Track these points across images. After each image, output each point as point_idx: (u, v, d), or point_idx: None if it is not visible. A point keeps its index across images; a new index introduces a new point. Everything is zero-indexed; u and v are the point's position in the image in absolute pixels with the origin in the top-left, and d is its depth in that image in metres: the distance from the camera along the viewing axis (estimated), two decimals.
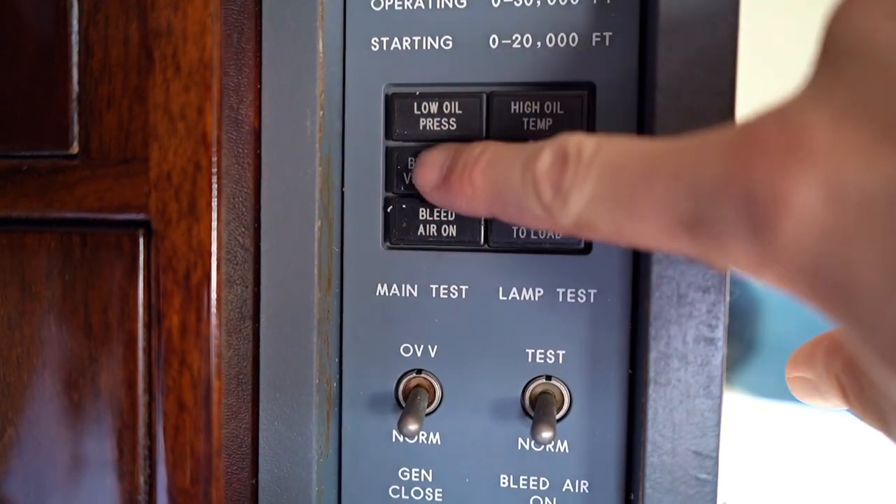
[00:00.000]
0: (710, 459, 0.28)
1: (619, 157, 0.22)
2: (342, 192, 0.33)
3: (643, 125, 0.30)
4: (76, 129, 0.28)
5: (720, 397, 0.28)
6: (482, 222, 0.32)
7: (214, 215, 0.27)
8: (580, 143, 0.24)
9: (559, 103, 0.31)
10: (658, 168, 0.21)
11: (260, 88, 0.30)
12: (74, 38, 0.28)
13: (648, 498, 0.28)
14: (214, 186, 0.27)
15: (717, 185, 0.19)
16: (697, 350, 0.28)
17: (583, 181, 0.23)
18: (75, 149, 0.28)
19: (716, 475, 0.28)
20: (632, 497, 0.31)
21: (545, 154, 0.24)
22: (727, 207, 0.19)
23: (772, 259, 0.19)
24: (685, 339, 0.28)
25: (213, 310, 0.27)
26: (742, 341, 1.23)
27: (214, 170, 0.27)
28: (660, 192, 0.21)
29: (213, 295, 0.27)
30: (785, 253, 0.18)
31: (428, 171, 0.29)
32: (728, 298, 0.28)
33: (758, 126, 0.19)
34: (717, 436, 0.28)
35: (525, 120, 0.31)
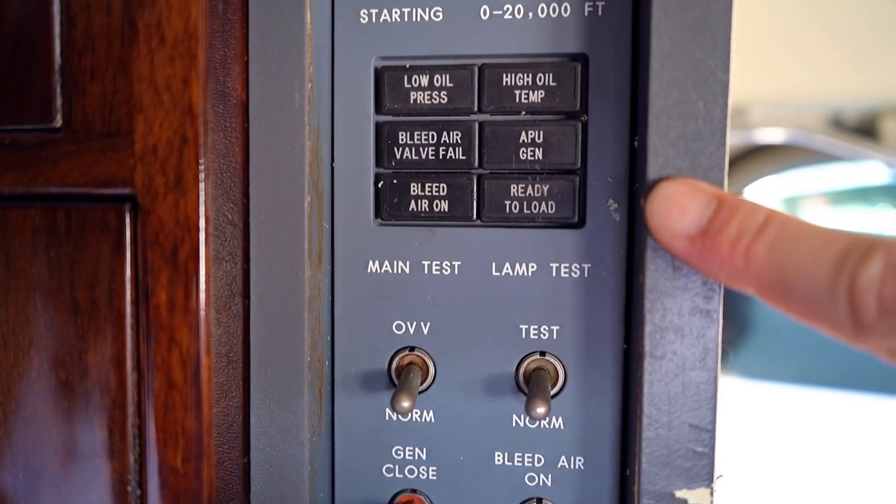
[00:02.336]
0: (706, 432, 0.28)
1: None
2: (332, 168, 0.32)
3: (637, 96, 0.30)
4: (59, 101, 0.27)
5: (716, 369, 0.28)
6: (474, 196, 0.31)
7: (202, 189, 0.27)
8: None
9: (552, 75, 0.30)
10: None
11: (247, 61, 0.30)
12: (56, 6, 0.27)
13: (645, 472, 0.28)
14: (202, 159, 0.26)
15: None
16: (693, 322, 0.28)
17: None
18: (59, 122, 0.28)
19: (713, 448, 0.28)
20: (627, 472, 0.31)
21: (874, 262, 0.20)
22: None
23: None
24: (681, 312, 0.28)
25: (202, 285, 0.27)
26: (734, 324, 1.23)
27: (201, 142, 0.26)
28: None
29: (202, 270, 0.27)
30: None
31: (680, 216, 0.25)
32: None
33: None
34: (714, 408, 0.28)
35: (517, 92, 0.31)
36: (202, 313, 0.27)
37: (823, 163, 1.13)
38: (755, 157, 1.10)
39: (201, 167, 0.27)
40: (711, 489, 0.28)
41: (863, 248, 0.21)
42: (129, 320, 0.28)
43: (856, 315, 0.20)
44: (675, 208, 0.25)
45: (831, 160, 1.08)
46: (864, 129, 1.02)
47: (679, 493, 0.28)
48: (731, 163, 1.12)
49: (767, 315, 1.35)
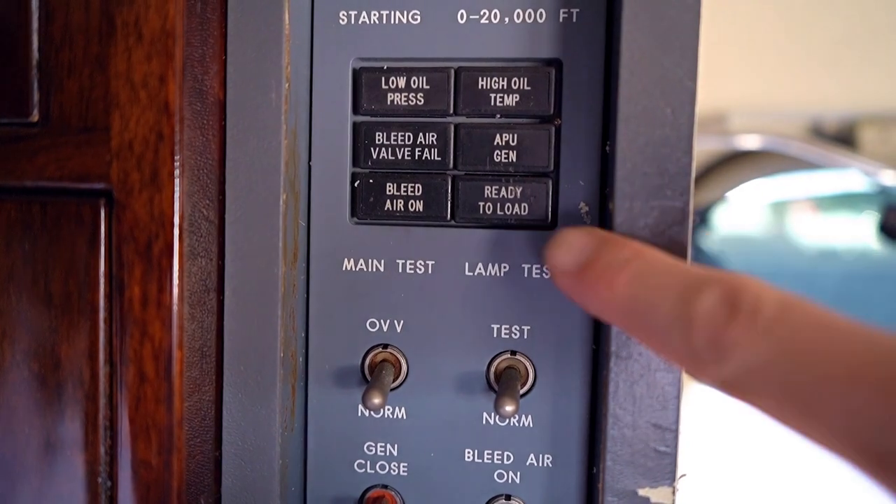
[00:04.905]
0: (669, 432, 0.29)
1: (808, 335, 0.19)
2: (309, 167, 0.33)
3: (609, 102, 0.30)
4: (36, 96, 0.28)
5: (681, 371, 0.28)
6: (449, 197, 0.32)
7: (177, 185, 0.27)
8: (759, 294, 0.20)
9: (526, 79, 0.31)
10: (858, 375, 0.18)
11: (225, 59, 0.30)
12: (34, 2, 0.27)
13: (609, 470, 0.29)
14: (177, 156, 0.27)
15: None
16: None
17: (752, 346, 0.20)
18: (35, 117, 0.28)
19: (675, 448, 0.29)
20: (594, 470, 0.31)
21: (710, 292, 0.21)
22: None
23: None
24: None
25: (175, 280, 0.27)
26: None
27: (177, 139, 0.27)
28: (855, 405, 0.18)
29: (175, 265, 0.27)
30: None
31: (564, 254, 0.26)
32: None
33: None
34: (678, 409, 0.29)
35: (493, 96, 0.31)
36: (175, 308, 0.27)
37: (803, 170, 1.14)
38: (735, 163, 1.12)
39: (177, 164, 0.27)
40: (674, 488, 0.29)
41: (703, 281, 0.22)
42: (102, 314, 0.28)
43: (690, 345, 0.21)
44: (563, 247, 0.27)
45: (811, 167, 1.10)
46: (843, 138, 1.04)
47: (642, 492, 0.29)
48: (712, 168, 1.13)
49: None
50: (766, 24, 0.88)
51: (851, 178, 1.19)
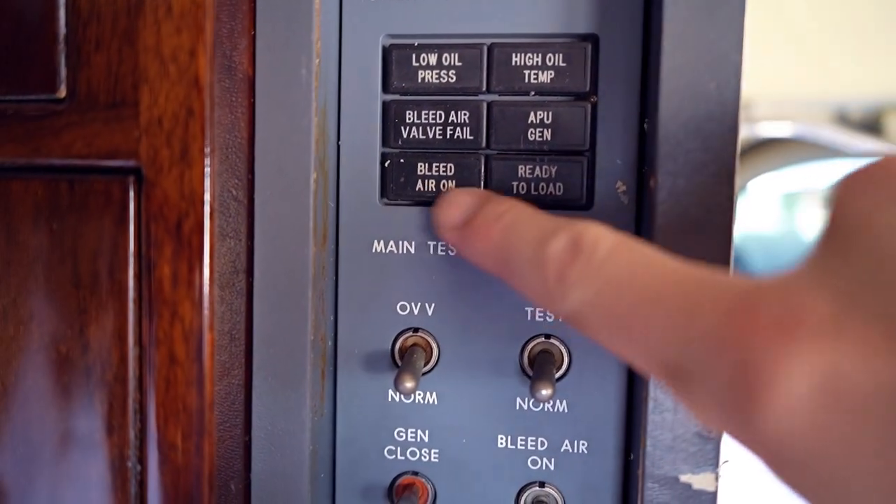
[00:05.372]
0: None
1: (629, 269, 0.22)
2: (338, 147, 0.32)
3: (648, 78, 0.29)
4: (63, 72, 0.27)
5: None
6: (482, 177, 0.31)
7: (207, 162, 0.26)
8: (597, 237, 0.23)
9: (562, 55, 0.30)
10: (660, 299, 0.20)
11: (254, 35, 0.29)
12: None
13: (649, 456, 0.28)
14: (208, 132, 0.26)
15: (711, 343, 0.19)
16: None
17: (587, 280, 0.23)
18: (62, 92, 0.27)
19: (719, 432, 0.28)
20: (631, 457, 0.31)
21: (560, 237, 0.24)
22: (712, 367, 0.18)
23: (752, 434, 0.18)
24: None
25: (206, 259, 0.27)
26: None
27: (207, 114, 0.26)
28: (654, 326, 0.20)
29: (206, 244, 0.27)
30: (767, 433, 0.17)
31: (452, 210, 0.29)
32: (733, 241, 0.27)
33: (760, 292, 0.18)
34: None
35: (527, 72, 0.30)
36: (206, 288, 0.27)
37: (827, 158, 1.12)
38: (759, 152, 1.10)
39: (207, 140, 0.26)
40: (717, 474, 0.28)
41: (556, 228, 0.24)
42: (131, 294, 0.27)
43: (544, 284, 0.24)
44: (452, 205, 0.29)
45: (835, 156, 1.08)
46: (869, 126, 1.02)
47: (683, 478, 0.28)
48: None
49: None
50: (790, 10, 0.87)
51: None
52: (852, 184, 0.19)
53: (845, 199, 0.19)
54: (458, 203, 0.29)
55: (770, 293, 0.18)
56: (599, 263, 0.23)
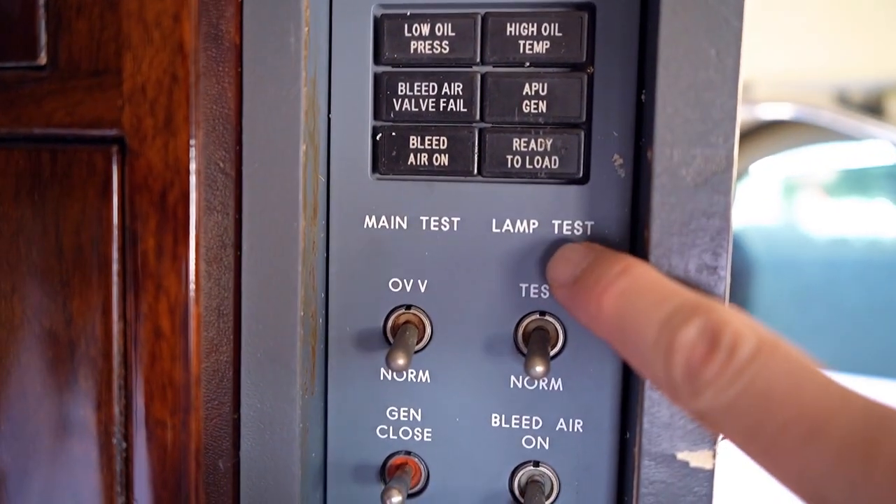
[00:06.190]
0: None
1: (779, 381, 0.20)
2: (328, 119, 0.31)
3: (645, 47, 0.29)
4: (44, 38, 0.26)
5: None
6: (475, 150, 0.30)
7: (193, 130, 0.25)
8: (738, 333, 0.21)
9: (557, 25, 0.29)
10: (822, 429, 0.19)
11: (241, 2, 0.28)
12: None
13: (646, 433, 0.27)
14: (193, 100, 0.25)
15: (886, 492, 0.17)
16: (700, 279, 0.27)
17: (725, 386, 0.21)
18: (43, 60, 0.26)
19: None
20: (627, 435, 0.30)
21: (692, 325, 0.22)
22: None
23: None
24: (686, 269, 0.27)
25: (192, 231, 0.26)
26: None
27: (192, 81, 0.25)
28: (813, 458, 0.19)
29: (192, 216, 0.26)
30: None
31: (562, 267, 0.27)
32: (732, 225, 0.27)
33: None
34: None
35: (522, 42, 0.30)
36: (191, 261, 0.26)
37: (828, 141, 1.11)
38: (760, 135, 1.09)
39: (192, 108, 0.25)
40: (714, 451, 0.27)
41: (688, 309, 0.22)
42: (115, 267, 0.27)
43: (669, 374, 0.22)
44: (562, 261, 0.28)
45: (837, 138, 1.07)
46: (870, 108, 1.01)
47: (681, 455, 0.27)
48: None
49: (766, 300, 1.35)
50: None
51: (874, 150, 1.17)
52: None
53: None
54: (567, 259, 0.27)
55: None
56: (741, 366, 0.21)
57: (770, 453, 0.20)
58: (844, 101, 1.01)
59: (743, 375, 0.20)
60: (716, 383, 0.21)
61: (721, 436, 0.22)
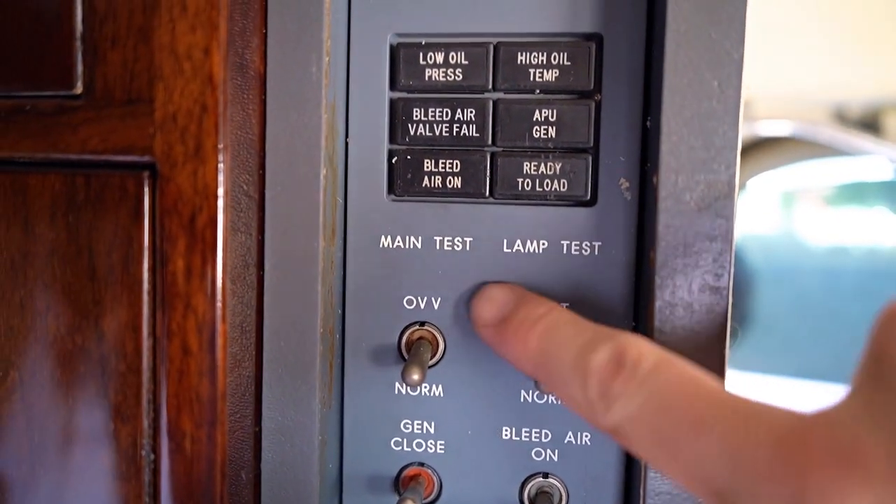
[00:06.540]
0: None
1: (673, 389, 0.22)
2: (346, 143, 0.33)
3: (651, 76, 0.30)
4: (80, 68, 0.28)
5: (725, 347, 0.28)
6: (487, 173, 0.32)
7: (221, 157, 0.27)
8: (640, 352, 0.24)
9: (566, 54, 0.31)
10: (707, 422, 0.21)
11: (266, 33, 0.30)
12: None
13: None
14: (221, 129, 0.27)
15: (762, 471, 0.19)
16: (703, 299, 0.28)
17: (630, 396, 0.23)
18: (79, 89, 0.28)
19: None
20: None
21: (603, 350, 0.24)
22: (762, 496, 0.19)
23: None
24: (690, 288, 0.28)
25: (219, 253, 0.27)
26: (734, 318, 1.23)
27: (221, 111, 0.27)
28: (702, 448, 0.21)
29: (220, 238, 0.27)
30: None
31: (487, 307, 0.29)
32: (734, 247, 0.28)
33: (812, 424, 0.19)
34: (722, 379, 0.28)
35: (532, 71, 0.31)
36: (219, 281, 0.27)
37: (826, 156, 1.13)
38: (759, 150, 1.11)
39: (220, 136, 0.27)
40: None
41: (599, 338, 0.25)
42: (145, 287, 0.28)
43: (586, 395, 0.24)
44: (488, 301, 0.30)
45: (834, 154, 1.09)
46: (867, 124, 1.03)
47: None
48: None
49: (766, 309, 1.36)
50: (790, 9, 0.88)
51: (872, 166, 1.18)
52: (892, 320, 0.19)
53: (887, 335, 0.19)
54: (493, 299, 0.29)
55: (821, 426, 0.19)
56: (643, 378, 0.23)
57: (671, 451, 0.22)
58: (842, 117, 1.03)
59: (645, 385, 0.23)
60: (624, 395, 0.23)
61: (628, 447, 0.24)
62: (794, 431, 0.19)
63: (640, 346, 0.24)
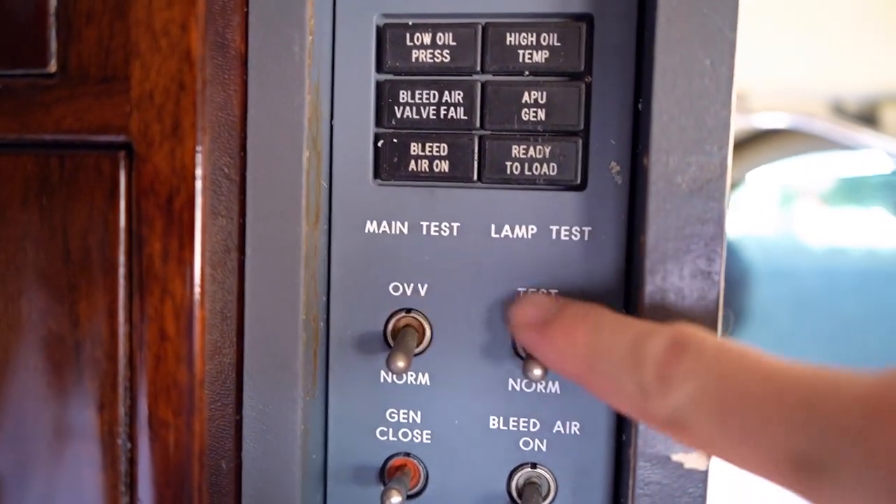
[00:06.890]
0: None
1: (740, 369, 0.22)
2: (331, 126, 0.32)
3: (642, 56, 0.29)
4: (54, 46, 0.27)
5: (717, 333, 0.28)
6: (475, 157, 0.31)
7: (199, 136, 0.26)
8: (702, 337, 0.23)
9: (556, 35, 0.30)
10: (783, 396, 0.20)
11: (247, 11, 0.29)
12: None
13: (641, 435, 0.28)
14: (199, 106, 0.26)
15: (854, 437, 0.19)
16: (694, 284, 0.27)
17: (695, 376, 0.22)
18: (53, 67, 0.27)
19: None
20: (623, 438, 0.31)
21: (659, 337, 0.24)
22: (859, 462, 0.19)
23: None
24: (682, 274, 0.27)
25: (197, 235, 0.26)
26: (729, 313, 1.23)
27: (199, 88, 0.26)
28: (778, 423, 0.20)
29: (198, 220, 0.26)
30: None
31: (530, 309, 0.28)
32: (726, 232, 0.27)
33: (893, 385, 0.19)
34: None
35: (521, 52, 0.30)
36: (197, 265, 0.27)
37: (824, 150, 1.12)
38: (756, 143, 1.10)
39: (199, 115, 0.26)
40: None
41: (654, 327, 0.24)
42: (121, 270, 0.27)
43: (640, 379, 0.23)
44: (530, 304, 0.29)
45: (832, 147, 1.08)
46: (865, 117, 1.02)
47: (675, 457, 0.28)
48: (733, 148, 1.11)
49: (764, 309, 1.35)
50: (787, 1, 0.87)
51: (869, 159, 1.17)
52: None
53: None
54: (536, 303, 0.29)
55: None
56: (710, 360, 0.22)
57: (744, 428, 0.21)
58: (840, 110, 1.02)
59: (712, 366, 0.22)
60: (686, 376, 0.22)
61: (683, 437, 0.23)
62: (880, 392, 0.19)
63: (697, 331, 0.23)
